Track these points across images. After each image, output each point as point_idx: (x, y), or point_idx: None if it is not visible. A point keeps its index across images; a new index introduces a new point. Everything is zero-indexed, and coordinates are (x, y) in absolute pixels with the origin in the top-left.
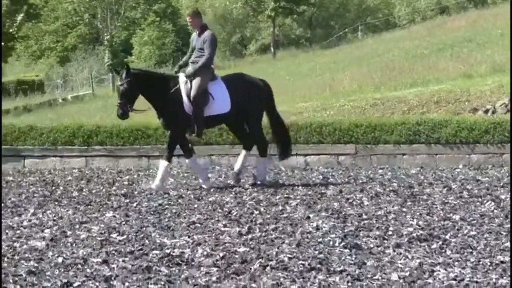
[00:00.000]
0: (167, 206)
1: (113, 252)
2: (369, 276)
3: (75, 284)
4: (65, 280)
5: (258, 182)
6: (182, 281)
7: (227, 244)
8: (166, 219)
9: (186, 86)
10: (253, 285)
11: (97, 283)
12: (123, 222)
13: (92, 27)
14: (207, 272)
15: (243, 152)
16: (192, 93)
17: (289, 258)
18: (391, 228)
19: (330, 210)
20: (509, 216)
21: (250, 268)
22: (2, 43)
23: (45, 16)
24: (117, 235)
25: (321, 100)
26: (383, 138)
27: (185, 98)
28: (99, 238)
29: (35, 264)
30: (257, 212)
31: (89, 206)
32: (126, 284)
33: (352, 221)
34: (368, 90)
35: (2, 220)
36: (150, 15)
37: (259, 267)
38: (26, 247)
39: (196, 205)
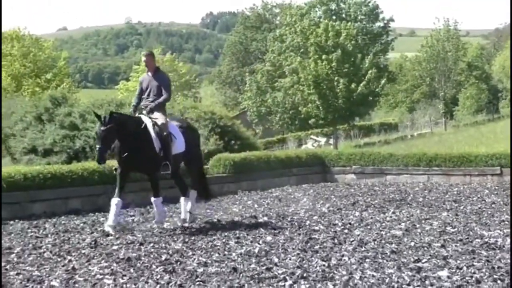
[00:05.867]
0: (484, 209)
1: (448, 239)
2: None
3: (420, 258)
4: (416, 258)
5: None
6: (497, 261)
7: None
8: (484, 218)
9: (153, 125)
10: None
11: (438, 261)
12: (454, 220)
13: (431, 87)
14: None
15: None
16: (166, 131)
17: None
18: None
19: None
20: None
21: None
22: (371, 98)
23: (399, 80)
24: (450, 228)
25: None
26: None
27: (154, 136)
28: (438, 230)
29: (395, 246)
30: None
31: (430, 208)
32: (458, 261)
33: None
34: None
35: (366, 216)
36: (471, 78)
37: None
38: (389, 235)
39: (504, 209)
